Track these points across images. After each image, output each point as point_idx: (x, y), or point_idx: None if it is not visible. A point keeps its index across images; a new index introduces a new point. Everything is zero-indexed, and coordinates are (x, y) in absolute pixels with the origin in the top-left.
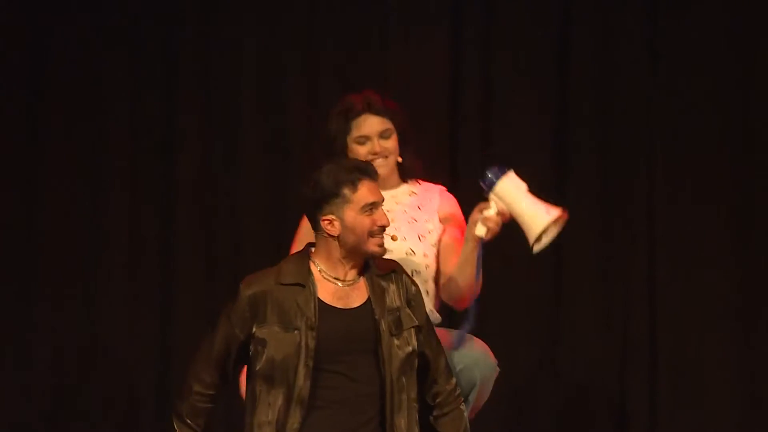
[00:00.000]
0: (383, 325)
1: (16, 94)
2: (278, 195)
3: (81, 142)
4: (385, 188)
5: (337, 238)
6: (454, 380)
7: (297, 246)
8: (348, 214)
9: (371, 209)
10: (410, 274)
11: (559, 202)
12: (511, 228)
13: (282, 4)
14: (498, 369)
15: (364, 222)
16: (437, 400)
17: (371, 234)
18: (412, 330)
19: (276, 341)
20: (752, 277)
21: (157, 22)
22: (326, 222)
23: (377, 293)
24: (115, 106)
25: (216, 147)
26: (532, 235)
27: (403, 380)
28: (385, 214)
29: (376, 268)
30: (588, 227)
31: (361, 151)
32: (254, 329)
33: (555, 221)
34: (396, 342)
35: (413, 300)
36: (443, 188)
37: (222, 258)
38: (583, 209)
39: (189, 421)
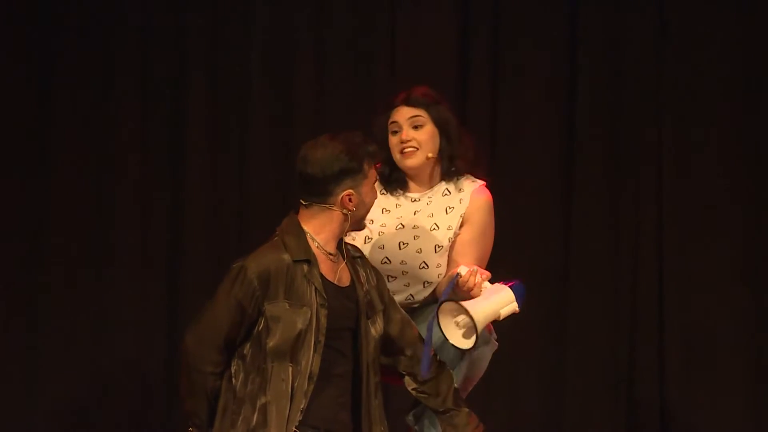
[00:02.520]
0: (362, 307)
1: (27, 77)
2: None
3: (91, 127)
4: (421, 187)
5: (350, 212)
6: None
7: None
8: (364, 189)
9: (376, 180)
10: (423, 285)
11: (568, 175)
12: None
13: None
14: (497, 344)
15: (373, 194)
16: (416, 367)
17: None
18: (380, 313)
19: (288, 318)
20: (760, 247)
21: None
22: (347, 197)
23: (356, 275)
24: (126, 84)
25: (229, 121)
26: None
27: (376, 363)
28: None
29: (350, 250)
30: (596, 201)
31: (393, 140)
32: (265, 306)
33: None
34: (369, 324)
35: (377, 281)
36: (480, 186)
37: (228, 236)
38: (591, 183)
39: (213, 401)
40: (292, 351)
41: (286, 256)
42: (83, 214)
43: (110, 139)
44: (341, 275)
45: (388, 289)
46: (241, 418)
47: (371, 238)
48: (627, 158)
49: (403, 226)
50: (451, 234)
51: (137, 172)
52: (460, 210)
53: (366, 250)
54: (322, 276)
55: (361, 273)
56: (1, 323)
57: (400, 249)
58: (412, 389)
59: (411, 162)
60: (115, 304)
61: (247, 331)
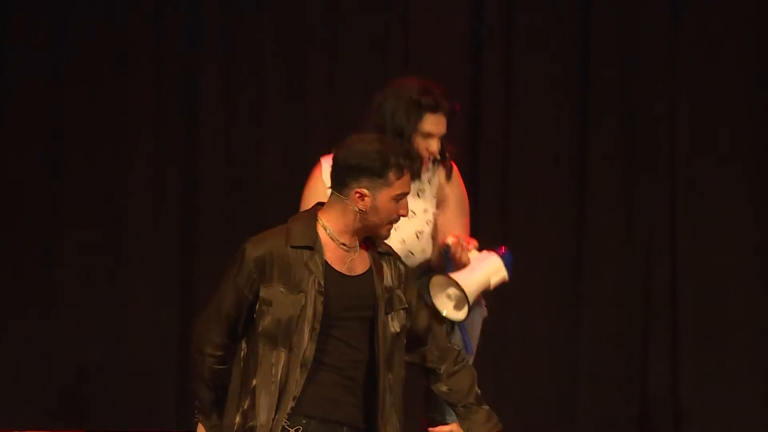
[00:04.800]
0: (380, 300)
1: (41, 54)
2: (300, 143)
3: (105, 101)
4: None
5: (360, 212)
6: (455, 341)
7: (307, 199)
8: (382, 197)
9: (401, 198)
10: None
11: (581, 155)
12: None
13: None
14: (486, 311)
15: (391, 208)
16: (442, 363)
17: (391, 221)
18: (402, 311)
19: (281, 302)
20: None
21: None
22: (358, 194)
23: (378, 268)
24: (139, 60)
25: (240, 101)
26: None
27: (394, 358)
28: (407, 204)
29: (378, 246)
30: (611, 184)
31: (421, 145)
32: (261, 289)
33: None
34: (389, 320)
35: (405, 281)
36: (450, 166)
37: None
38: (605, 167)
39: (210, 384)
40: (285, 336)
41: (286, 241)
42: (97, 195)
43: (124, 114)
44: (353, 265)
45: (419, 292)
46: (237, 400)
47: None
48: (640, 152)
49: None
50: (429, 216)
51: (151, 147)
52: (431, 191)
53: None
54: (326, 264)
55: (386, 269)
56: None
57: None
58: (435, 385)
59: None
60: (130, 286)
61: (248, 314)
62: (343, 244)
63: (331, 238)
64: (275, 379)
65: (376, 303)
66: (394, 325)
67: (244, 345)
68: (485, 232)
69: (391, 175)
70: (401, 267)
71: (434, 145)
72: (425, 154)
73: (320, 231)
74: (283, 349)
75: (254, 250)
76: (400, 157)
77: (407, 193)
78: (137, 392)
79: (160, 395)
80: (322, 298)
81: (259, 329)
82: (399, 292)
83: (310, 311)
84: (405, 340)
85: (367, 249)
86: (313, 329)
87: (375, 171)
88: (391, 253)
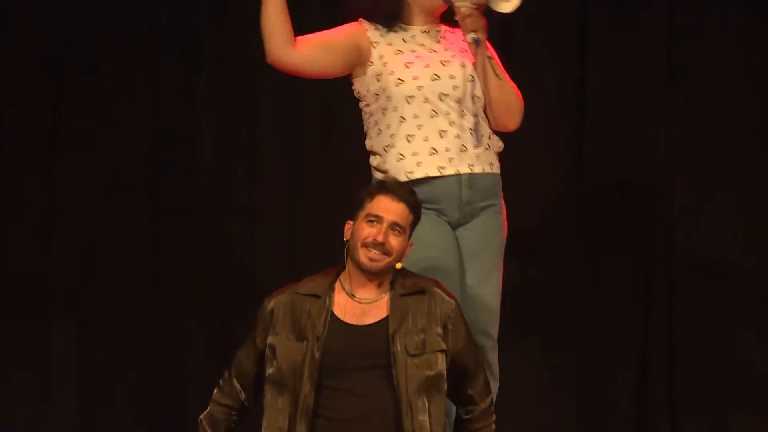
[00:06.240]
0: (398, 345)
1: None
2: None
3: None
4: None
5: (346, 243)
6: (489, 397)
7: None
8: (357, 220)
9: (374, 221)
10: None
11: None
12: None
13: None
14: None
15: (362, 229)
16: (470, 416)
17: (364, 244)
18: (438, 354)
19: (284, 349)
20: None
21: None
22: (347, 226)
23: (397, 312)
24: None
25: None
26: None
27: (424, 401)
28: (386, 233)
29: (402, 288)
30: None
31: None
32: (269, 337)
33: None
34: (415, 362)
35: (450, 321)
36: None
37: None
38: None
39: (206, 426)
40: (289, 383)
41: (296, 290)
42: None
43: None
44: (368, 314)
45: (468, 336)
46: None
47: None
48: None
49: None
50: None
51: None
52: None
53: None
54: (332, 314)
55: (418, 309)
56: None
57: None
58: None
59: None
60: (122, 286)
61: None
62: (354, 295)
63: (344, 290)
64: (283, 426)
65: (390, 349)
66: (423, 367)
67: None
68: None
69: (366, 201)
70: (446, 303)
71: None
72: None
73: (337, 284)
74: (288, 396)
75: (269, 302)
76: (377, 185)
77: (382, 218)
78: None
79: None
80: (319, 344)
81: (266, 375)
82: (436, 333)
83: (309, 359)
84: (445, 384)
85: (390, 296)
86: (311, 377)
87: (358, 204)
88: (428, 291)
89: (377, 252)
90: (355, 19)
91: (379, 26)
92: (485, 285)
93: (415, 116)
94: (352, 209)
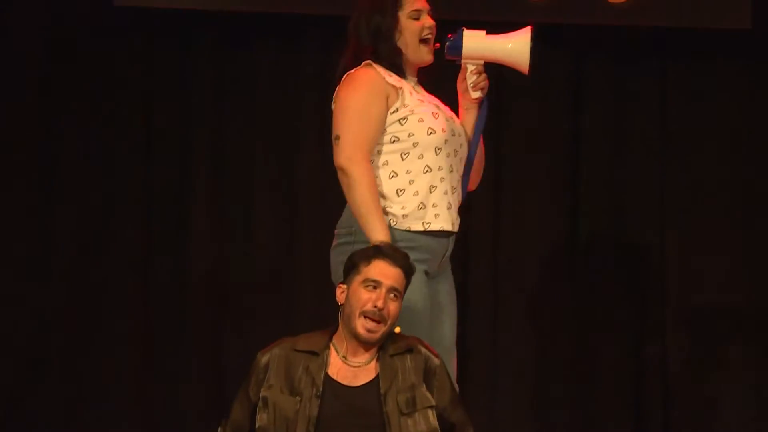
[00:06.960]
0: (389, 404)
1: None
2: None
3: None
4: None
5: (341, 307)
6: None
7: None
8: (353, 285)
9: (373, 286)
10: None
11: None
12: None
13: None
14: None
15: (361, 295)
16: None
17: (363, 313)
18: (428, 410)
19: (276, 403)
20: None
21: None
22: (340, 290)
23: (387, 372)
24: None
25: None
26: (524, 63)
27: None
28: (385, 299)
29: (390, 348)
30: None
31: (416, 27)
32: (262, 390)
33: (530, 38)
34: (408, 421)
35: (435, 377)
36: None
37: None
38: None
39: None
40: None
41: (293, 346)
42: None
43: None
44: (359, 376)
45: (453, 391)
46: None
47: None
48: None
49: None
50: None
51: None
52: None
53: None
54: (326, 374)
55: (407, 367)
56: None
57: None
58: None
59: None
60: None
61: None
62: (346, 358)
63: (337, 352)
64: None
65: (382, 409)
66: (417, 425)
67: None
68: None
69: (361, 265)
70: (431, 361)
71: (429, 20)
72: (425, 32)
73: (331, 346)
74: None
75: (263, 356)
76: (371, 250)
77: (380, 283)
78: None
79: None
80: (318, 402)
81: (257, 426)
82: (423, 390)
83: (304, 415)
84: None
85: (379, 358)
86: None
87: (351, 267)
88: (414, 349)
89: (373, 323)
90: (357, 62)
91: (392, 72)
92: (452, 335)
93: (440, 168)
94: (344, 272)
